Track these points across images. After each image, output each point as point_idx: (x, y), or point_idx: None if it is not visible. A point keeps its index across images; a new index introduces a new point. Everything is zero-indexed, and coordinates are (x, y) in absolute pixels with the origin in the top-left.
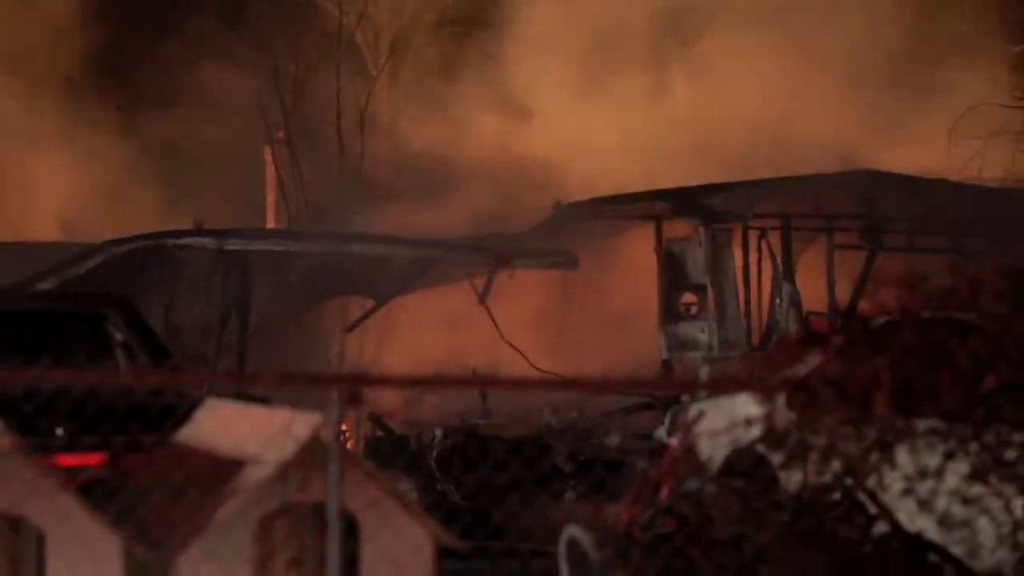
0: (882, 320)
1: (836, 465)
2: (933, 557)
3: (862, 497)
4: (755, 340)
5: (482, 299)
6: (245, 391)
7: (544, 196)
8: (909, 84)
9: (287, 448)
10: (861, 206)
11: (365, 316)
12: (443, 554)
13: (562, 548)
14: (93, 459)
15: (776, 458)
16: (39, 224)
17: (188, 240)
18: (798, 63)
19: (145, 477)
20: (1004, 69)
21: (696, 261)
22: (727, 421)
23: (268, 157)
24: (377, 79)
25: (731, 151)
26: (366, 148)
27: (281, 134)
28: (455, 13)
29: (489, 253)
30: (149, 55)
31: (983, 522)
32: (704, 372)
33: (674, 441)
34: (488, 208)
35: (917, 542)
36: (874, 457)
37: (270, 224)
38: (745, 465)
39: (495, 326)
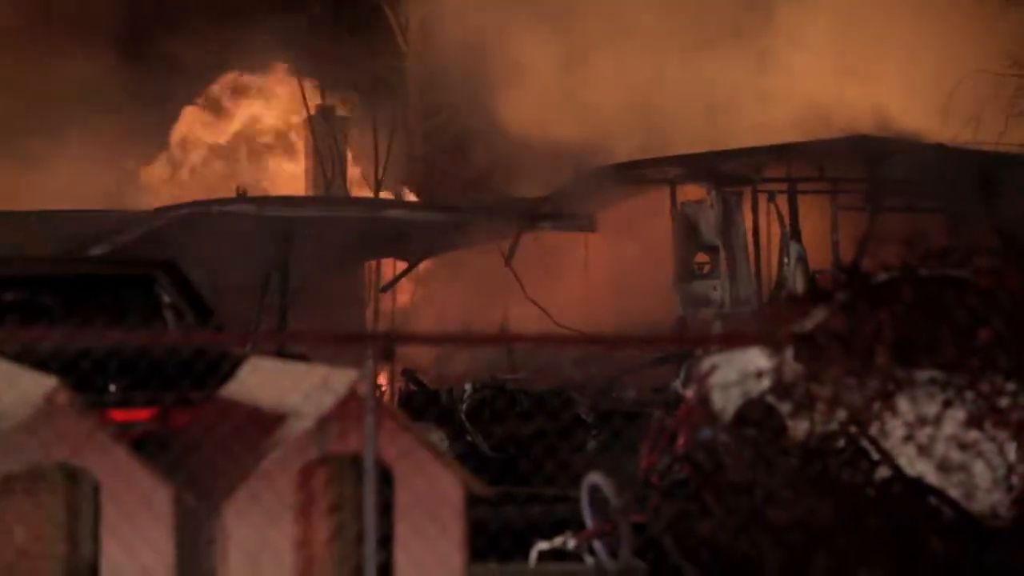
0: (883, 277)
1: (841, 414)
2: (932, 500)
3: (865, 444)
4: (764, 297)
5: (508, 260)
6: (286, 349)
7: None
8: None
9: (325, 402)
10: (863, 169)
11: (398, 277)
12: (473, 501)
13: (584, 493)
14: (144, 414)
15: (785, 408)
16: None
17: (232, 207)
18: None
19: (193, 430)
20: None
21: (708, 223)
22: (738, 374)
23: (305, 127)
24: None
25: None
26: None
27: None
28: None
29: (514, 216)
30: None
31: (979, 466)
32: (717, 327)
33: (689, 393)
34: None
35: (917, 486)
36: (876, 406)
37: (306, 191)
38: (756, 415)
39: (520, 285)
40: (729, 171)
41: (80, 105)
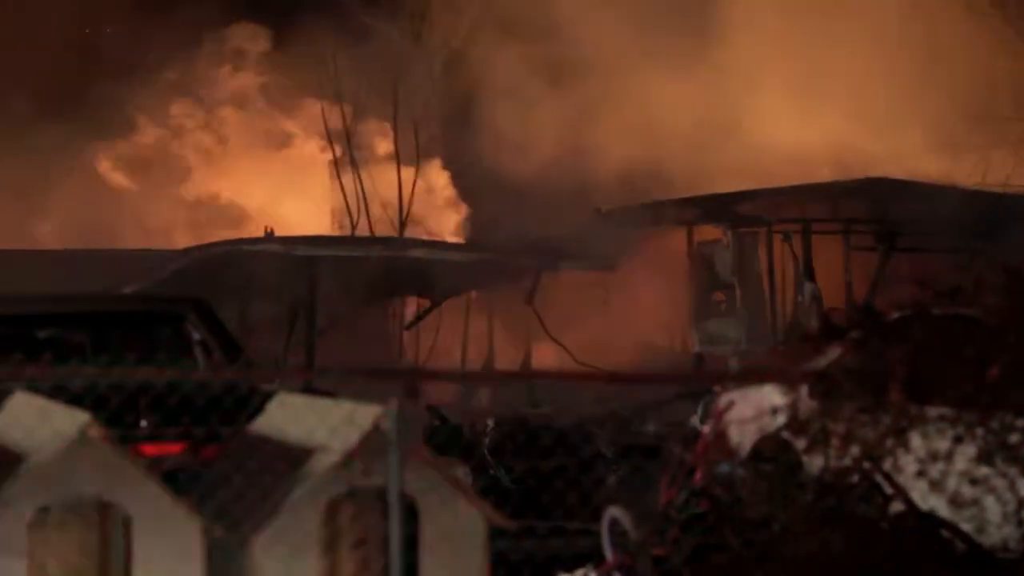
0: (896, 315)
1: (855, 449)
2: (945, 533)
3: (879, 479)
4: (780, 335)
5: (529, 299)
6: (313, 385)
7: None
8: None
9: (352, 437)
10: (875, 210)
11: (422, 315)
12: (496, 533)
13: (604, 527)
14: (175, 448)
15: (800, 443)
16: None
17: (260, 246)
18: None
19: (223, 465)
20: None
21: (725, 262)
22: (755, 410)
23: (331, 169)
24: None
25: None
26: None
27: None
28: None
29: (535, 256)
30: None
31: (990, 501)
32: (733, 364)
33: (706, 428)
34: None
35: (930, 520)
36: (889, 442)
37: (332, 231)
38: (772, 450)
39: (541, 324)
40: (745, 212)
41: None
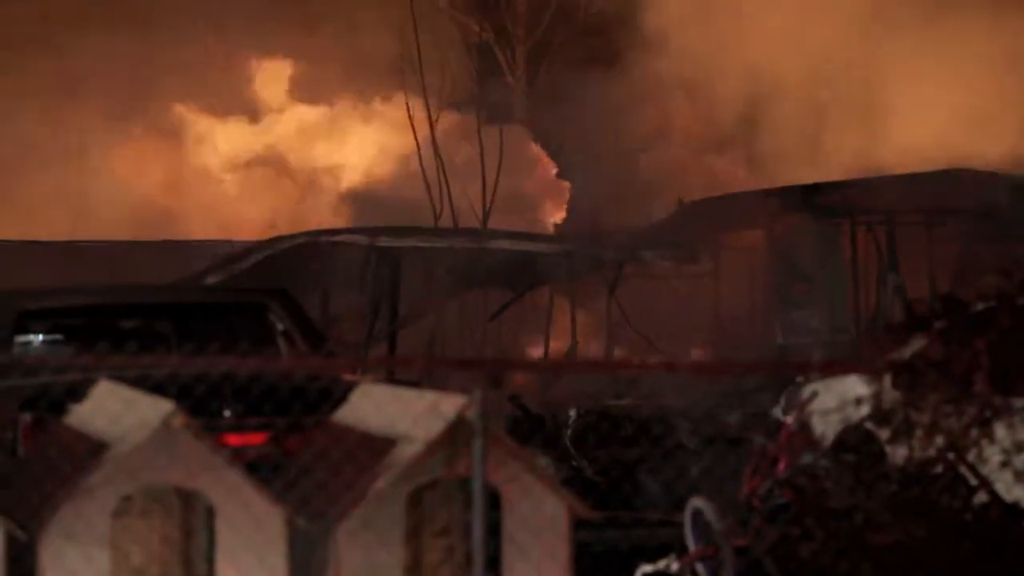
0: (980, 306)
1: (939, 440)
2: None
3: (963, 470)
4: (862, 326)
5: (611, 290)
6: (396, 375)
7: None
8: None
9: (435, 427)
10: (960, 200)
11: (505, 306)
12: (578, 524)
13: (687, 517)
14: (258, 438)
15: (883, 434)
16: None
17: (343, 237)
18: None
19: (306, 454)
20: None
21: (807, 253)
22: (838, 400)
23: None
24: (514, 87)
25: None
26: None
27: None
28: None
29: (618, 247)
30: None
31: None
32: (816, 355)
33: (790, 419)
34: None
35: (1014, 511)
36: (974, 433)
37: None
38: (855, 441)
39: (623, 315)
40: (827, 202)
41: None
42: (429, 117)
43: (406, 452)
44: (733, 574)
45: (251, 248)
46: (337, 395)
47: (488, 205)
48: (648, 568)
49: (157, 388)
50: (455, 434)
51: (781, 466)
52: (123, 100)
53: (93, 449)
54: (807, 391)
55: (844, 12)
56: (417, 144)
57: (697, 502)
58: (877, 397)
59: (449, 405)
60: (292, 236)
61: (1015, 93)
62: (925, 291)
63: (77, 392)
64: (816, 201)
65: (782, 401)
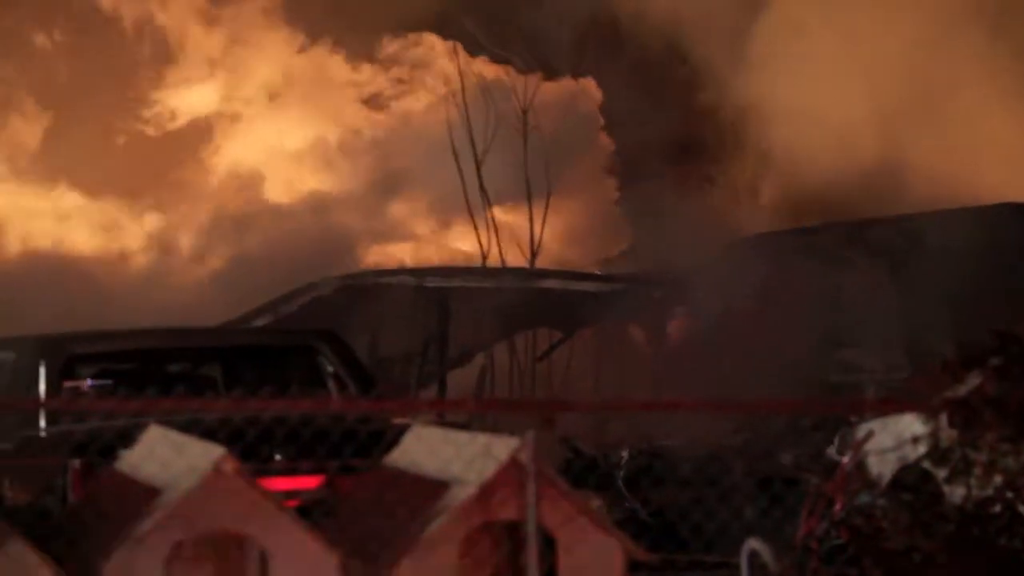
0: None
1: (997, 479)
2: None
3: (1022, 508)
4: (917, 364)
5: (660, 329)
6: (446, 417)
7: None
8: None
9: (488, 469)
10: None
11: (555, 346)
12: (633, 566)
13: (743, 559)
14: (310, 482)
15: (941, 473)
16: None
17: (391, 277)
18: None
19: (358, 498)
20: None
21: (859, 291)
22: (894, 439)
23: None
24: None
25: None
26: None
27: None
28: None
29: (668, 287)
30: None
31: None
32: (870, 394)
33: (845, 459)
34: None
35: None
36: None
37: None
38: (912, 480)
39: (674, 352)
40: (879, 238)
41: None
42: (474, 152)
43: (459, 495)
44: None
45: (298, 290)
46: (388, 438)
47: (536, 244)
48: None
49: (207, 433)
50: (508, 476)
51: (838, 506)
52: None
53: (144, 495)
54: (863, 430)
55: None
56: (463, 183)
57: (753, 543)
58: (934, 436)
59: (501, 447)
60: (339, 277)
61: None
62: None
63: (127, 437)
64: (868, 237)
65: (837, 441)
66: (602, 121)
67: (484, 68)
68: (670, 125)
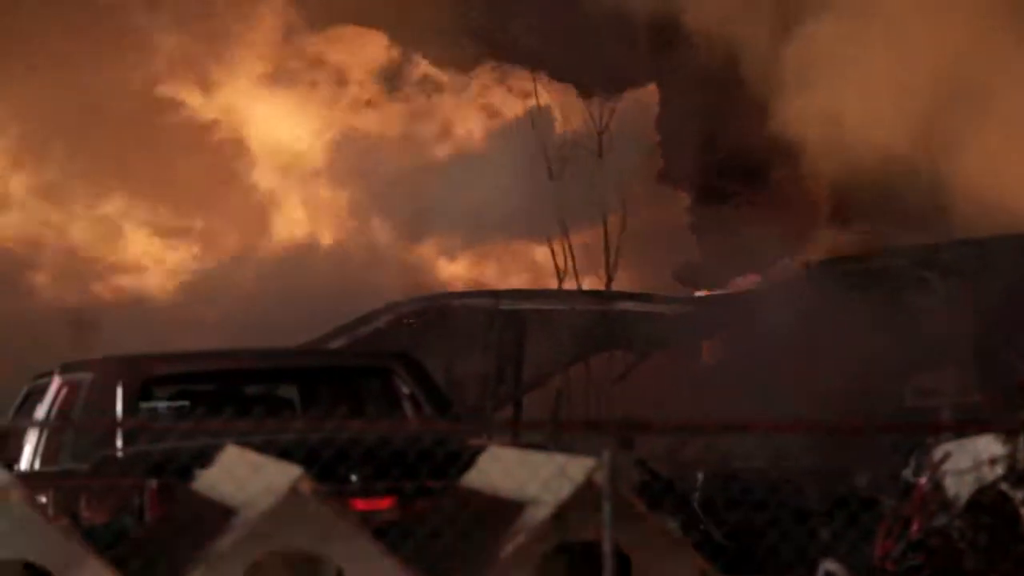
0: None
1: None
2: None
3: None
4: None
5: (734, 352)
6: (522, 438)
7: None
8: None
9: (564, 490)
10: None
11: (631, 367)
12: None
13: None
14: (386, 502)
15: (1019, 495)
16: None
17: (467, 300)
18: None
19: (434, 518)
20: None
21: (935, 314)
22: (971, 460)
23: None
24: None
25: None
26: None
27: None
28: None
29: (741, 310)
30: None
31: None
32: (947, 415)
33: (922, 480)
34: None
35: None
36: None
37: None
38: (989, 501)
39: (749, 375)
40: (955, 261)
41: None
42: (550, 173)
43: (535, 516)
44: None
45: (374, 312)
46: (464, 459)
47: (612, 266)
48: None
49: (284, 453)
50: (584, 497)
51: (914, 528)
52: None
53: (221, 515)
54: (940, 452)
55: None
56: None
57: (829, 565)
58: (1011, 457)
59: (578, 468)
60: (414, 299)
61: None
62: None
63: (203, 457)
64: (942, 259)
65: (913, 462)
66: (663, 139)
67: (554, 89)
68: (739, 144)
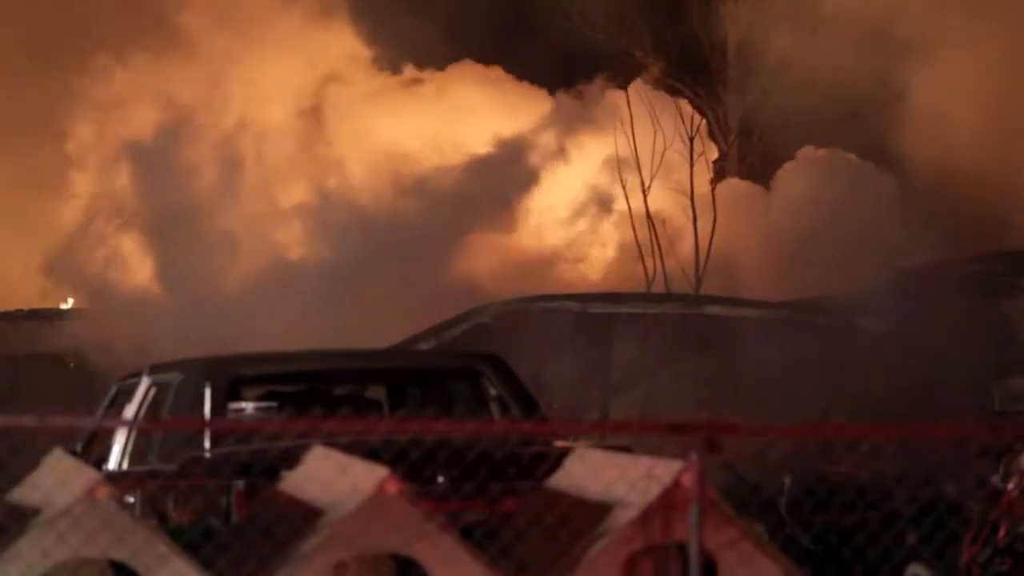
0: None
1: None
2: None
3: None
4: None
5: (824, 353)
6: (608, 440)
7: None
8: None
9: (651, 492)
10: None
11: (719, 374)
12: None
13: None
14: (473, 504)
15: None
16: None
17: (555, 303)
18: None
19: (521, 520)
20: None
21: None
22: None
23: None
24: (727, 154)
25: None
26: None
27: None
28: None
29: (829, 313)
30: None
31: None
32: None
33: (1010, 485)
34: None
35: None
36: None
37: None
38: None
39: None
40: None
41: None
42: (642, 183)
43: (621, 518)
44: None
45: (462, 314)
46: (551, 460)
47: (701, 271)
48: None
49: (371, 454)
50: (671, 499)
51: (1001, 533)
52: None
53: (307, 515)
54: None
55: None
56: (629, 209)
57: (917, 569)
58: None
59: (665, 470)
60: (503, 303)
61: None
62: None
63: (290, 458)
64: None
65: (1002, 468)
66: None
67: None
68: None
